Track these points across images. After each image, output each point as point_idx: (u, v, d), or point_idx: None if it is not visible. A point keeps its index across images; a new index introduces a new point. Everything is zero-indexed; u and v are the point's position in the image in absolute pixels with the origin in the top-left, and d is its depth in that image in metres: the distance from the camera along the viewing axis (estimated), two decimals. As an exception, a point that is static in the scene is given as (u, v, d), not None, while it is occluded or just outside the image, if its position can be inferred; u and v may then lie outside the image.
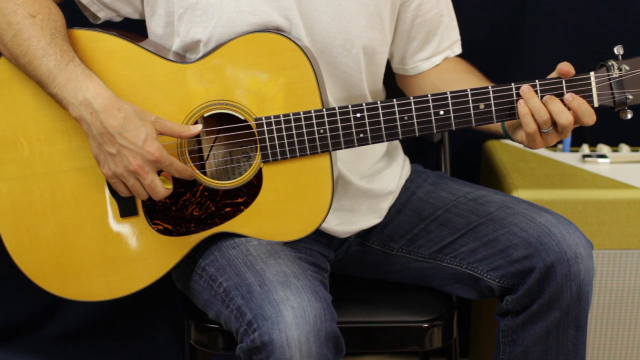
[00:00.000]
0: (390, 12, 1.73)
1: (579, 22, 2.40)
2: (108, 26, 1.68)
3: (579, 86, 1.56)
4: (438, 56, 1.82)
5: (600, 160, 2.24)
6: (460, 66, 1.83)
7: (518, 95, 1.57)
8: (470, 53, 2.05)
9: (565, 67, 1.56)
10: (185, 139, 1.60)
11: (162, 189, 1.56)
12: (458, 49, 1.85)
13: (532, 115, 1.56)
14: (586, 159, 2.24)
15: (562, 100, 1.56)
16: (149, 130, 1.53)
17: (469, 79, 1.76)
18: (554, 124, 1.56)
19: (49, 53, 1.54)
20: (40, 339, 2.52)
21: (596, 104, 1.57)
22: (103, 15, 1.70)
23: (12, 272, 1.72)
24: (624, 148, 2.30)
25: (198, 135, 1.66)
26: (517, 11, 2.40)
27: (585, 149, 2.31)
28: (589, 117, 1.55)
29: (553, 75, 1.58)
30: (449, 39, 1.82)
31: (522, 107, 1.56)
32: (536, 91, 1.56)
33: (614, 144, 2.32)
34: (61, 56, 1.54)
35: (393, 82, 1.90)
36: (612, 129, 2.23)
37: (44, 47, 1.54)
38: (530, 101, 1.56)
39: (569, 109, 1.55)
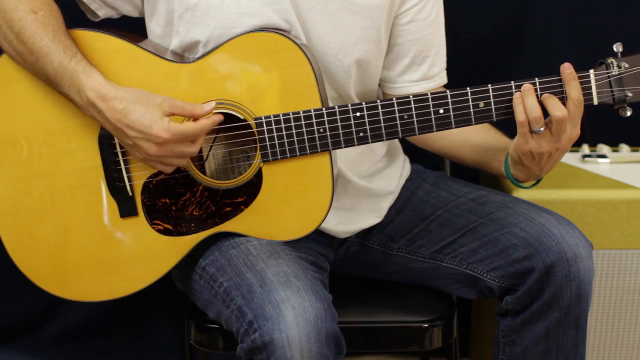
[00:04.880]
0: (385, 25, 1.72)
1: (579, 22, 2.40)
2: (107, 26, 1.68)
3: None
4: (429, 82, 1.80)
5: (600, 160, 2.23)
6: None
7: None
8: (471, 53, 2.07)
9: (567, 72, 1.56)
10: (199, 117, 1.56)
11: (193, 149, 1.54)
12: (445, 79, 1.83)
13: (525, 110, 1.56)
14: (586, 159, 2.24)
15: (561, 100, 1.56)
16: (153, 113, 1.52)
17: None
18: (546, 125, 1.56)
19: (52, 50, 1.54)
20: (40, 339, 2.53)
21: (596, 102, 1.58)
22: (103, 13, 1.70)
23: (12, 273, 1.72)
24: (624, 148, 2.29)
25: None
26: (517, 11, 2.40)
27: (585, 149, 2.31)
28: (580, 105, 1.55)
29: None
30: (440, 64, 1.81)
31: (516, 97, 1.57)
32: (536, 89, 1.57)
33: (614, 144, 2.32)
34: (64, 52, 1.54)
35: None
36: (612, 129, 2.23)
37: (47, 45, 1.54)
38: (526, 97, 1.56)
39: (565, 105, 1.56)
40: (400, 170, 1.89)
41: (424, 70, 1.79)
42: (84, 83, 1.53)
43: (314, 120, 1.58)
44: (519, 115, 1.56)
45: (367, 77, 1.74)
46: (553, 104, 1.55)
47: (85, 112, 1.56)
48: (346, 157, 1.74)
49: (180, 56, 1.67)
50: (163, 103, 1.53)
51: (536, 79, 1.57)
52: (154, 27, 1.68)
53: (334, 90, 1.71)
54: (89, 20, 1.72)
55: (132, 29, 1.70)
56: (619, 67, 1.56)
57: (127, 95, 1.53)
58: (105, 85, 1.54)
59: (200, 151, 1.67)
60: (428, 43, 1.78)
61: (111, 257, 1.67)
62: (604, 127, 2.15)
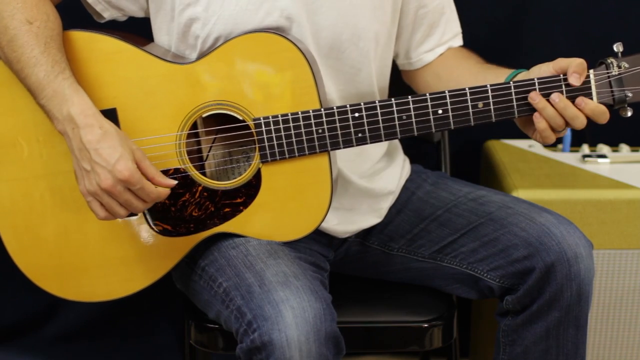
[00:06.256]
0: (392, 4, 1.73)
1: (579, 22, 2.40)
2: (106, 27, 1.68)
3: None
4: (441, 47, 1.83)
5: (600, 160, 2.23)
6: (461, 53, 1.83)
7: (517, 93, 1.57)
8: (470, 53, 2.05)
9: (564, 64, 1.56)
10: (156, 183, 1.56)
11: (139, 204, 1.54)
12: (460, 41, 1.86)
13: (547, 121, 1.57)
14: (586, 159, 2.24)
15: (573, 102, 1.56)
16: (125, 151, 1.51)
17: (466, 64, 1.78)
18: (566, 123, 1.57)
19: (41, 63, 1.54)
20: (40, 339, 2.53)
21: (596, 102, 1.57)
22: (108, 15, 1.70)
23: (12, 272, 1.72)
24: (624, 148, 2.30)
25: (197, 135, 1.66)
26: (517, 11, 2.40)
27: (585, 149, 2.31)
28: (603, 116, 1.56)
29: (548, 66, 1.58)
30: (451, 31, 1.83)
31: (538, 119, 1.57)
32: (535, 89, 1.56)
33: (614, 144, 2.32)
34: (52, 67, 1.54)
35: (392, 85, 1.90)
36: (612, 129, 2.22)
37: (36, 56, 1.54)
38: (544, 111, 1.56)
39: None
40: (400, 170, 1.89)
41: (436, 40, 1.83)
42: (69, 98, 1.53)
43: (312, 121, 1.58)
44: (539, 124, 1.57)
45: (383, 59, 1.76)
46: (572, 115, 1.55)
47: (57, 125, 1.54)
48: (346, 157, 1.74)
49: (180, 57, 1.67)
50: (136, 150, 1.54)
51: (535, 78, 1.57)
52: (160, 24, 1.69)
53: (353, 86, 1.72)
54: (88, 21, 1.72)
55: (132, 30, 1.70)
56: (619, 67, 1.56)
57: (108, 126, 1.53)
58: (93, 107, 1.54)
59: (200, 152, 1.68)
60: (437, 14, 1.81)
61: (111, 257, 1.68)
62: (604, 127, 2.14)
